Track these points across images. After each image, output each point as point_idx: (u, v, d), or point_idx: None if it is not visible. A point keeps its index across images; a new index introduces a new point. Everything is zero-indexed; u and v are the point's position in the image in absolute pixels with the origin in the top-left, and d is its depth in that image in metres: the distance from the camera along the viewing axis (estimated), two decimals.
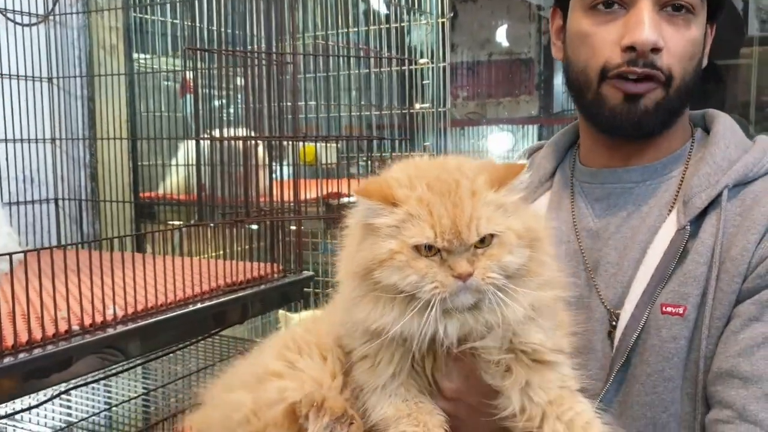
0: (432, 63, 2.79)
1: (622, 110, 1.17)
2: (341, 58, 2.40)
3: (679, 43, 1.14)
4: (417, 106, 2.91)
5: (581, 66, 1.20)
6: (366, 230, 0.90)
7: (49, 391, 1.59)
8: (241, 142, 1.75)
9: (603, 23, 1.16)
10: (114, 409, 1.65)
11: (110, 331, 1.31)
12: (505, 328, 0.88)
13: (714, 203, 1.14)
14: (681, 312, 1.11)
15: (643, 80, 1.14)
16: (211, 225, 1.68)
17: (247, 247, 1.86)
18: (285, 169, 1.95)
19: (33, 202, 2.15)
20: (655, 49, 1.12)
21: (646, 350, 1.13)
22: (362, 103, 2.33)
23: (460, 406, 0.97)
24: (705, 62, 1.23)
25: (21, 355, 1.16)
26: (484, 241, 0.86)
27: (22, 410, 1.57)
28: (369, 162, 2.31)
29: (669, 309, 1.12)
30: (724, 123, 1.24)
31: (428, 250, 0.85)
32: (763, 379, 1.01)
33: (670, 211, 1.19)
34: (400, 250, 0.86)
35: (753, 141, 1.22)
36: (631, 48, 1.13)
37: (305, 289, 1.90)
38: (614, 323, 1.17)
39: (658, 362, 1.12)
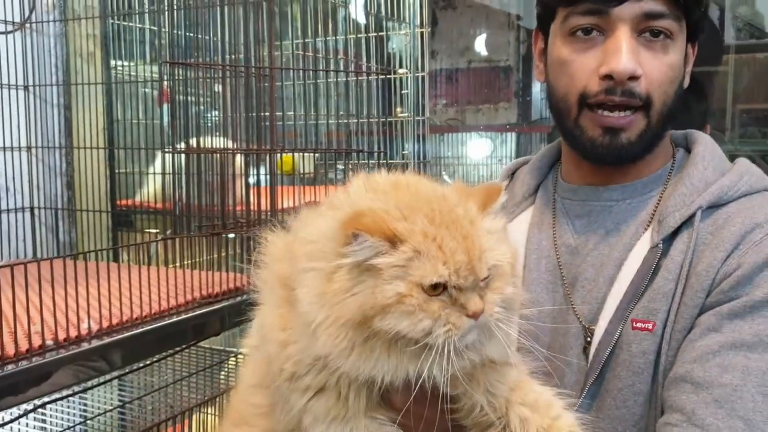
0: (411, 73, 2.81)
1: (603, 142, 1.18)
2: (322, 65, 2.41)
3: (657, 69, 1.15)
4: (397, 110, 2.93)
5: (561, 93, 1.21)
6: (358, 270, 0.79)
7: (23, 406, 1.58)
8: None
9: (582, 50, 1.16)
10: (89, 422, 1.64)
11: (85, 346, 1.30)
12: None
13: (687, 222, 1.16)
14: (650, 327, 1.13)
15: (622, 109, 1.15)
16: (187, 236, 1.68)
17: (223, 254, 1.86)
18: (262, 177, 1.95)
19: (8, 210, 2.13)
20: (633, 77, 1.13)
21: (618, 365, 1.15)
22: (341, 113, 2.34)
23: (412, 416, 0.92)
24: (687, 82, 1.24)
25: None
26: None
27: None
28: (347, 170, 2.32)
29: (639, 324, 1.14)
30: (705, 144, 1.26)
31: (434, 289, 0.78)
32: (714, 385, 1.03)
33: (646, 229, 1.21)
34: (410, 292, 0.77)
35: (734, 163, 1.25)
36: (609, 76, 1.13)
37: None
38: (589, 339, 1.19)
39: (628, 377, 1.14)
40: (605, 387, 1.16)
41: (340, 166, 2.58)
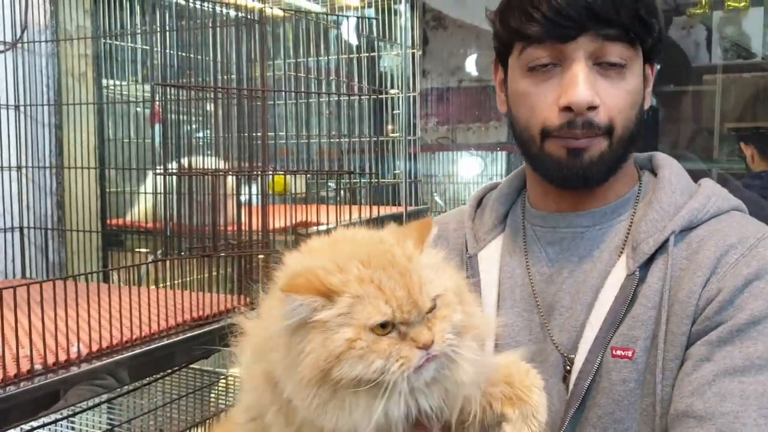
0: (402, 93, 2.83)
1: (568, 163, 1.19)
2: (313, 86, 2.42)
3: (616, 96, 1.16)
4: (389, 128, 2.95)
5: (523, 124, 1.22)
6: (305, 330, 0.82)
7: (10, 431, 1.57)
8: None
9: (540, 82, 1.18)
10: None
11: (74, 370, 1.29)
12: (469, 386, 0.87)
13: (661, 248, 1.16)
14: (630, 355, 1.13)
15: (587, 135, 1.16)
16: (178, 259, 1.67)
17: (214, 273, 1.85)
18: (254, 197, 1.95)
19: None
20: (592, 107, 1.14)
21: (599, 393, 1.15)
22: (333, 132, 2.35)
23: None
24: (648, 103, 1.25)
25: None
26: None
27: None
28: (339, 189, 2.33)
29: (618, 352, 1.14)
30: (670, 168, 1.27)
31: (383, 328, 0.80)
32: (715, 415, 1.03)
33: (620, 255, 1.21)
34: (358, 336, 0.79)
35: (698, 184, 1.26)
36: (568, 108, 1.14)
37: None
38: (568, 367, 1.19)
39: (608, 405, 1.14)
40: (585, 415, 1.16)
41: (332, 185, 2.59)
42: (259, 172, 1.70)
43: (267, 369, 0.88)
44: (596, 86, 1.14)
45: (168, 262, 1.70)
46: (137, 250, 2.39)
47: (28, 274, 2.18)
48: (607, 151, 1.18)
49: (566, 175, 1.20)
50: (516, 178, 1.40)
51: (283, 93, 2.16)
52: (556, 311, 1.23)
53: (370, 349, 0.79)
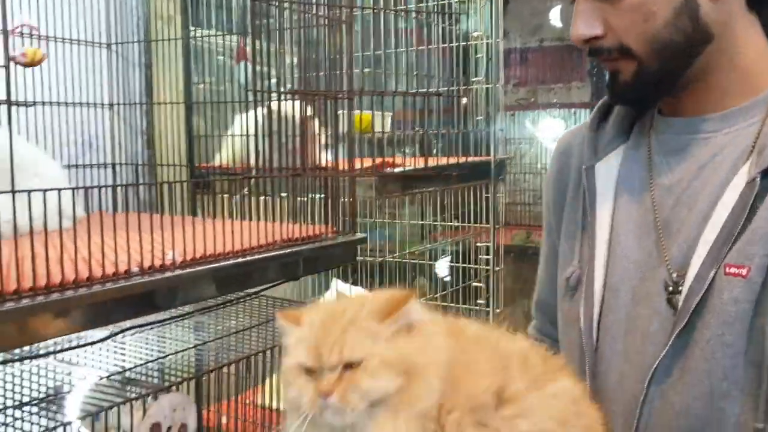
0: (485, 39, 2.77)
1: (609, 84, 1.19)
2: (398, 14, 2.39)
3: (619, 18, 1.11)
4: (471, 80, 2.90)
5: None
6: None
7: (105, 333, 1.62)
8: (296, 110, 1.74)
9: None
10: (167, 358, 1.67)
11: (168, 275, 1.31)
12: None
13: None
14: (744, 273, 1.02)
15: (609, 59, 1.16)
16: (270, 177, 1.67)
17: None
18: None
19: (90, 166, 2.17)
20: (595, 38, 1.13)
21: (708, 313, 1.06)
22: (415, 72, 2.31)
23: None
24: None
25: (81, 290, 1.17)
26: (352, 366, 0.89)
27: (79, 346, 1.60)
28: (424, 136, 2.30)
29: (732, 270, 1.04)
30: None
31: (306, 370, 0.92)
32: None
33: (746, 162, 1.10)
34: (290, 367, 0.94)
35: None
36: None
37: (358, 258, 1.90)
38: (679, 285, 1.11)
39: (717, 326, 1.04)
40: (694, 337, 1.07)
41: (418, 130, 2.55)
42: (346, 96, 1.68)
43: None
44: (602, 11, 1.11)
45: (259, 185, 1.71)
46: (225, 194, 2.40)
47: (119, 211, 2.23)
48: (640, 71, 1.13)
49: (610, 95, 1.23)
50: None
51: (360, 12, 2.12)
52: (674, 225, 1.15)
53: (295, 380, 0.93)
